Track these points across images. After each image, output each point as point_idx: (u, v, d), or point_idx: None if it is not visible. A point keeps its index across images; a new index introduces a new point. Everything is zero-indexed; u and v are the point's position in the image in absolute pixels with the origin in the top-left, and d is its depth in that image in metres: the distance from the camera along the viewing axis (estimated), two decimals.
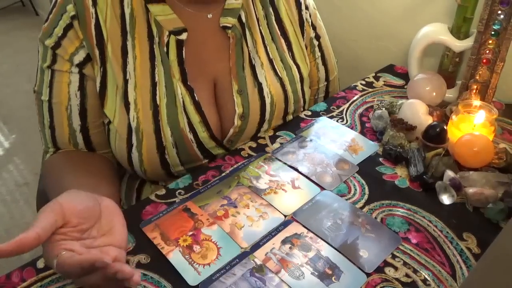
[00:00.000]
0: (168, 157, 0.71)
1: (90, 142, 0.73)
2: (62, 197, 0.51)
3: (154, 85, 0.69)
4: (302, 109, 0.85)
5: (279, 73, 0.78)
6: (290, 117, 0.82)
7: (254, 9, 0.77)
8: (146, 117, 0.68)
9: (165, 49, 0.69)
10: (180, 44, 0.70)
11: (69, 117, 0.70)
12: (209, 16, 0.72)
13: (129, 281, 0.46)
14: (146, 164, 0.71)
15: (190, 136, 0.71)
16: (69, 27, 0.67)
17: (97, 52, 0.67)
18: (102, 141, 0.74)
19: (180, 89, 0.69)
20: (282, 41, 0.80)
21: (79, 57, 0.68)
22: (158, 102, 0.69)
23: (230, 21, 0.73)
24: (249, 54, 0.75)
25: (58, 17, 0.67)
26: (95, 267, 0.44)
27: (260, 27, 0.77)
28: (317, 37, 0.86)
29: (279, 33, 0.79)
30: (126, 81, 0.68)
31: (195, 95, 0.70)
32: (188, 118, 0.70)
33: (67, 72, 0.68)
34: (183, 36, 0.70)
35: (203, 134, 0.71)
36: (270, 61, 0.77)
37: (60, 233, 0.48)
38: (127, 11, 0.68)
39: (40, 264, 0.55)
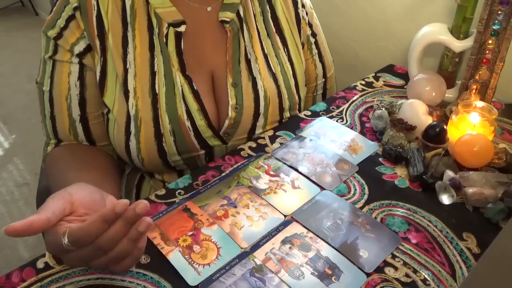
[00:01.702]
0: (166, 145, 0.71)
1: (89, 133, 0.74)
2: (71, 187, 0.52)
3: (153, 74, 0.70)
4: (298, 106, 0.85)
5: (273, 68, 0.78)
6: (287, 114, 0.82)
7: (251, 4, 0.78)
8: (145, 105, 0.70)
9: (164, 40, 0.71)
10: (178, 36, 0.71)
11: (69, 107, 0.72)
12: (209, 9, 0.74)
13: (145, 223, 0.47)
14: (144, 152, 0.71)
15: (188, 124, 0.71)
16: (71, 18, 0.69)
17: (97, 42, 0.69)
18: (102, 133, 0.74)
19: (179, 78, 0.71)
20: (277, 38, 0.81)
21: (80, 47, 0.69)
22: (157, 91, 0.70)
23: (228, 15, 0.74)
24: (245, 48, 0.76)
25: (62, 8, 0.69)
26: (116, 214, 0.45)
27: (257, 23, 0.78)
28: (314, 34, 0.87)
29: (274, 30, 0.80)
30: (126, 70, 0.70)
31: (193, 84, 0.71)
32: (186, 106, 0.71)
33: (68, 62, 0.70)
34: (182, 28, 0.71)
35: (200, 122, 0.72)
36: (265, 56, 0.78)
37: (65, 219, 0.49)
38: (127, 3, 0.70)
39: (40, 264, 0.55)
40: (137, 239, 0.48)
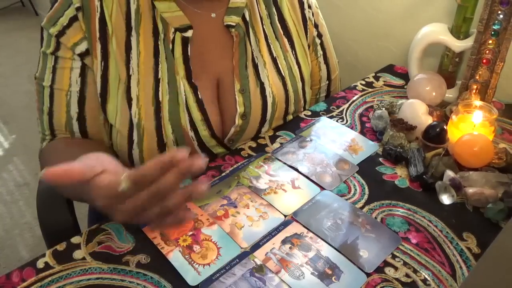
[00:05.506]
0: None
1: (86, 131, 0.72)
2: (93, 153, 0.52)
3: (157, 81, 0.69)
4: (302, 109, 0.85)
5: (282, 71, 0.78)
6: (290, 117, 0.82)
7: (257, 8, 0.77)
8: (148, 114, 0.69)
9: (170, 46, 0.69)
10: (185, 41, 0.70)
11: (68, 104, 0.70)
12: (213, 15, 0.73)
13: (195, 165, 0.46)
14: (147, 162, 0.70)
15: (191, 134, 0.71)
16: (74, 18, 0.67)
17: (98, 46, 0.67)
18: (98, 132, 0.73)
19: (183, 87, 0.70)
20: (285, 40, 0.80)
21: (81, 47, 0.68)
22: (160, 99, 0.69)
23: (234, 19, 0.73)
24: (252, 53, 0.75)
25: (64, 6, 0.67)
26: (171, 163, 0.45)
27: (264, 26, 0.77)
28: (319, 35, 0.86)
29: (282, 33, 0.80)
30: (129, 77, 0.68)
31: (198, 93, 0.70)
32: (190, 115, 0.70)
33: (70, 59, 0.68)
34: (189, 33, 0.70)
35: (204, 132, 0.72)
36: (274, 60, 0.77)
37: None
38: (133, 7, 0.69)
39: (40, 264, 0.55)
40: (189, 196, 0.47)
